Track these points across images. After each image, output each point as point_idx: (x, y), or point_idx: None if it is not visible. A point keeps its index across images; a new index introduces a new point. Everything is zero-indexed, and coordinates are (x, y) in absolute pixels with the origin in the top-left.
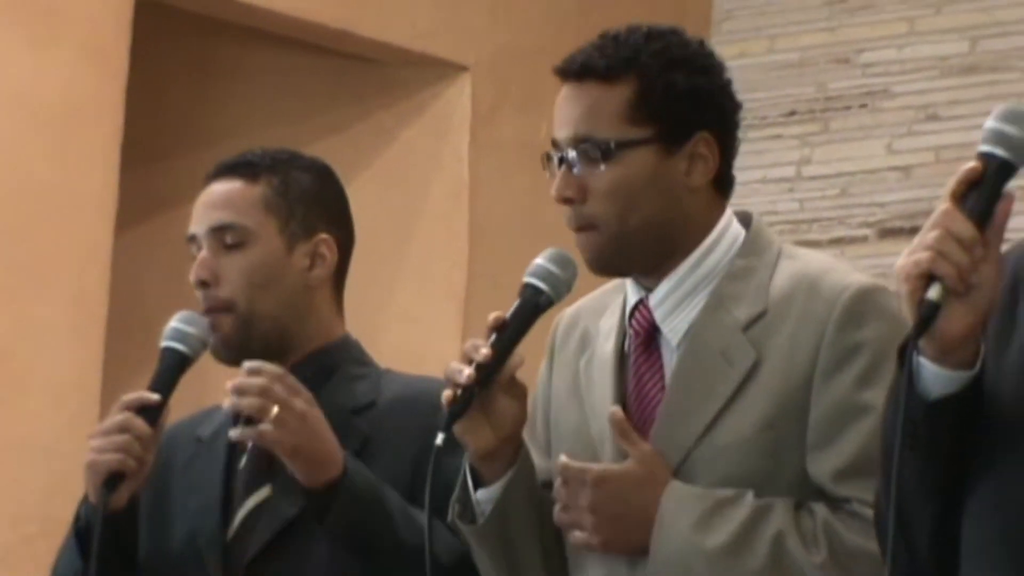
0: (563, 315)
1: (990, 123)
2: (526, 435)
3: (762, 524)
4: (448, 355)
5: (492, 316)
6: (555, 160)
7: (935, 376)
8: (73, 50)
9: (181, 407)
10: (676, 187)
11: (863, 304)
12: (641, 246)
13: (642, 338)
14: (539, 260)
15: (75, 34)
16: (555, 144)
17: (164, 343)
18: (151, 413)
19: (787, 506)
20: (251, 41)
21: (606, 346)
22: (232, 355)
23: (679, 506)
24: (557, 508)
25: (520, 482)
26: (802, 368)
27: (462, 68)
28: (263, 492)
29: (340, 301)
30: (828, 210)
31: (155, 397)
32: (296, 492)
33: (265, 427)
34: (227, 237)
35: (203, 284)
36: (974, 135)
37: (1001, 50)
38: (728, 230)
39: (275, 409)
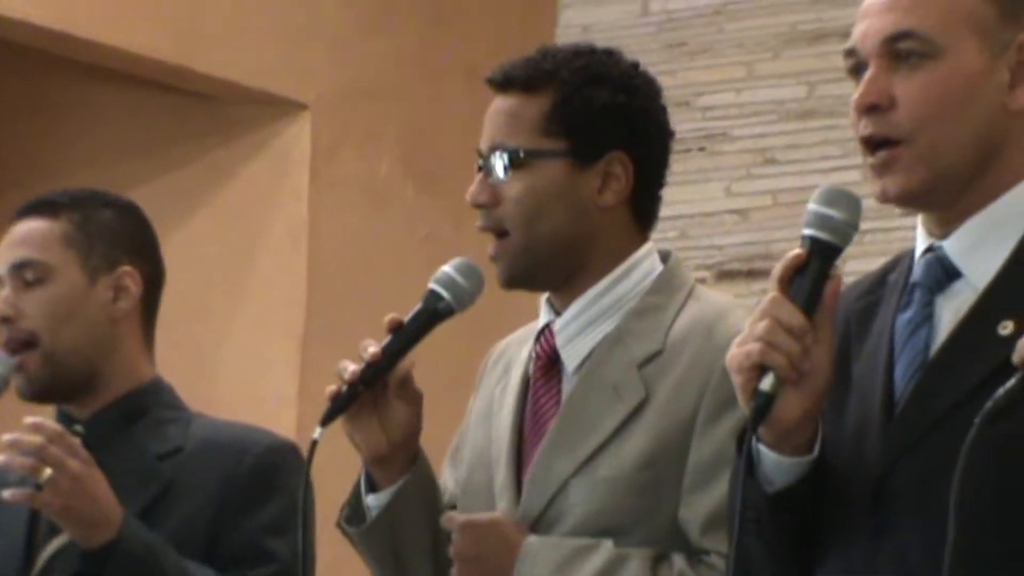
0: (494, 347)
1: (811, 206)
2: (448, 459)
3: (617, 574)
4: (286, 393)
5: (388, 317)
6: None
7: (776, 464)
8: None
9: None
10: (586, 203)
11: None
12: (548, 258)
13: (543, 362)
14: (445, 267)
15: None
16: (479, 152)
17: None
18: None
19: (644, 556)
20: (90, 77)
21: (519, 371)
22: (39, 394)
23: (538, 554)
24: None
25: (413, 491)
26: (686, 411)
27: (302, 106)
28: (63, 537)
29: (150, 340)
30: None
31: None
32: None
33: (35, 491)
34: (27, 273)
35: (5, 320)
36: (811, 179)
37: (838, 95)
38: (643, 262)
39: (47, 471)
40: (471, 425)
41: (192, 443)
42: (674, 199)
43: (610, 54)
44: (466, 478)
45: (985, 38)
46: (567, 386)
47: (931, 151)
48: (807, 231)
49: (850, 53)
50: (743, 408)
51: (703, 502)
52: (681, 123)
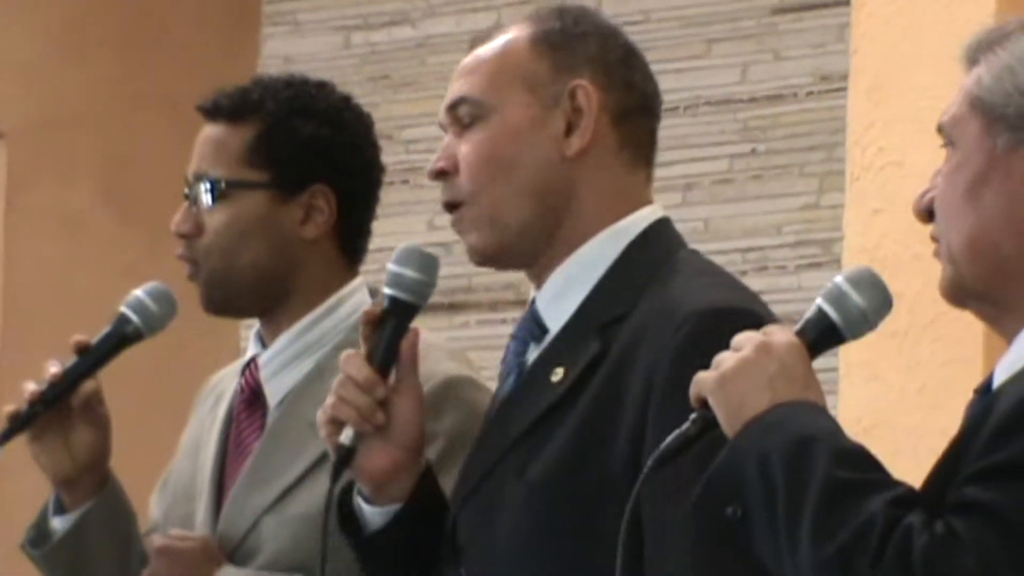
0: (209, 378)
1: (390, 265)
2: (159, 487)
3: None
4: None
5: (75, 338)
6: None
7: (369, 514)
8: None
9: None
10: (288, 235)
11: (445, 393)
12: (246, 288)
13: (247, 395)
14: (136, 291)
15: None
16: (185, 180)
17: None
18: None
19: None
20: None
21: (226, 404)
22: None
23: None
24: None
25: (99, 515)
26: None
27: None
28: None
29: None
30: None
31: None
32: None
33: None
34: None
35: None
36: None
37: None
38: (352, 297)
39: None
40: (180, 454)
41: None
42: (376, 232)
43: (322, 86)
44: (169, 508)
45: (536, 92)
46: (270, 421)
47: (492, 209)
48: (385, 289)
49: (441, 126)
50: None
51: None
52: (384, 156)
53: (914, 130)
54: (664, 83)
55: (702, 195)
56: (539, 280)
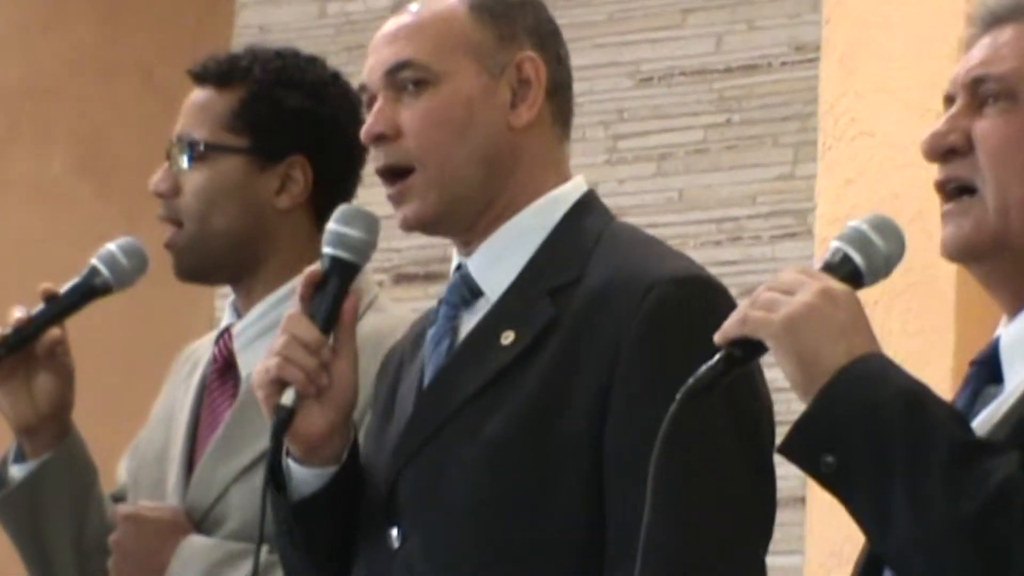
0: (186, 347)
1: (331, 225)
2: (129, 451)
3: None
4: None
5: (43, 286)
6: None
7: (302, 476)
8: None
9: None
10: (262, 203)
11: None
12: (220, 252)
13: (220, 365)
14: (110, 244)
15: None
16: (170, 141)
17: None
18: None
19: None
20: None
21: (200, 372)
22: None
23: (193, 554)
24: None
25: (58, 467)
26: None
27: None
28: None
29: None
30: None
31: None
32: None
33: None
34: None
35: None
36: None
37: None
38: None
39: None
40: (152, 422)
41: None
42: (356, 201)
43: (312, 60)
44: (138, 473)
45: (482, 61)
46: (242, 391)
47: (439, 174)
48: (326, 249)
49: (362, 89)
50: (268, 422)
51: None
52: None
53: (886, 100)
54: (639, 53)
55: (677, 165)
56: (468, 246)
